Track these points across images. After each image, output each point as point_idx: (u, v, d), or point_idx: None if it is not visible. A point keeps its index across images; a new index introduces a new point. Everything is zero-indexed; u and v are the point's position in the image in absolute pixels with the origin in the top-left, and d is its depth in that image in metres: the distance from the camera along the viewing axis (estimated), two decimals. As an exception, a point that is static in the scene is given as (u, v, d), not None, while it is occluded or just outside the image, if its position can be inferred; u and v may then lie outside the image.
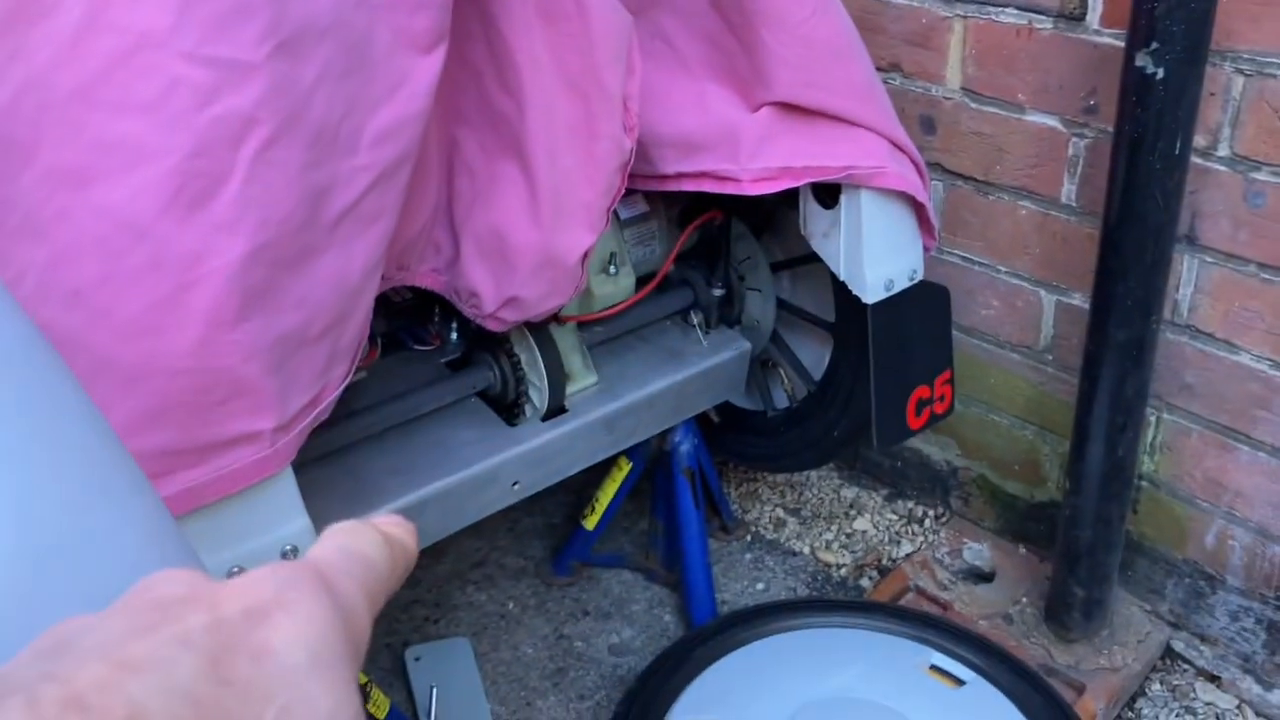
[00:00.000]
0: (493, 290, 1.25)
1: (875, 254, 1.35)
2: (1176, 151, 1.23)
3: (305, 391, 0.96)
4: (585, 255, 1.24)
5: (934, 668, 1.48)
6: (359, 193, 0.97)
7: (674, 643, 1.58)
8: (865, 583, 1.80)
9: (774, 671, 1.48)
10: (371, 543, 0.31)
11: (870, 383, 1.41)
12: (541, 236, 1.20)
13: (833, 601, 1.67)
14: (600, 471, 1.68)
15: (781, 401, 1.74)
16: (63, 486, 0.46)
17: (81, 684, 0.22)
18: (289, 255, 0.91)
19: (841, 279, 1.38)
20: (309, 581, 0.27)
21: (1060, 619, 1.58)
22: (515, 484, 1.44)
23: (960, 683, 1.45)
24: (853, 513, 1.94)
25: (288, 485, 0.96)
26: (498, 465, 1.41)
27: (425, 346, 1.53)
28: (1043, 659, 1.56)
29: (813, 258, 1.49)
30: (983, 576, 1.76)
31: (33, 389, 0.49)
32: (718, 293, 1.64)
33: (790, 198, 1.41)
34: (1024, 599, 1.68)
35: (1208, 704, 1.55)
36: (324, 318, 0.96)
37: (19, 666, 0.24)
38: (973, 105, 1.56)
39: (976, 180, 1.60)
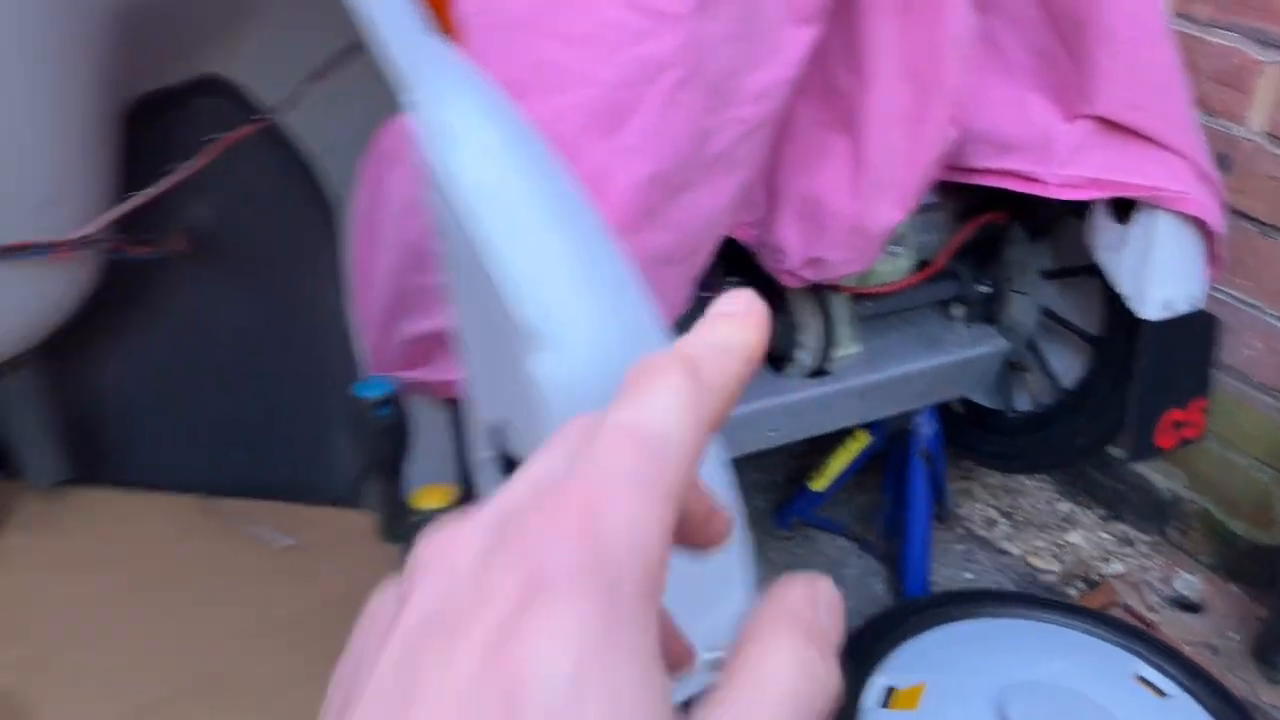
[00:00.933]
0: (800, 249, 1.37)
1: (1162, 274, 1.41)
2: None
3: (663, 305, 1.10)
4: (889, 231, 1.34)
5: (1140, 678, 1.53)
6: (732, 141, 1.11)
7: (889, 607, 1.68)
8: (1072, 592, 1.86)
9: (983, 650, 1.57)
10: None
11: (1131, 398, 1.47)
12: (857, 207, 1.31)
13: (1046, 600, 1.74)
14: (823, 442, 1.78)
15: (1023, 404, 1.81)
16: (632, 315, 0.60)
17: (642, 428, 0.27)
18: (675, 184, 1.05)
19: (1122, 293, 1.44)
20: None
21: (1270, 659, 1.61)
22: (772, 431, 1.56)
23: (1164, 694, 1.51)
24: (1066, 525, 2.00)
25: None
26: (762, 410, 1.53)
27: (706, 293, 1.66)
28: (1246, 694, 1.60)
29: (1083, 270, 1.55)
30: (1190, 607, 1.80)
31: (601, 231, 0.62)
32: (984, 290, 1.72)
33: (1075, 209, 1.47)
34: (1231, 634, 1.71)
35: None
36: (689, 244, 1.10)
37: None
38: (1273, 149, 1.60)
39: (1263, 223, 1.63)
